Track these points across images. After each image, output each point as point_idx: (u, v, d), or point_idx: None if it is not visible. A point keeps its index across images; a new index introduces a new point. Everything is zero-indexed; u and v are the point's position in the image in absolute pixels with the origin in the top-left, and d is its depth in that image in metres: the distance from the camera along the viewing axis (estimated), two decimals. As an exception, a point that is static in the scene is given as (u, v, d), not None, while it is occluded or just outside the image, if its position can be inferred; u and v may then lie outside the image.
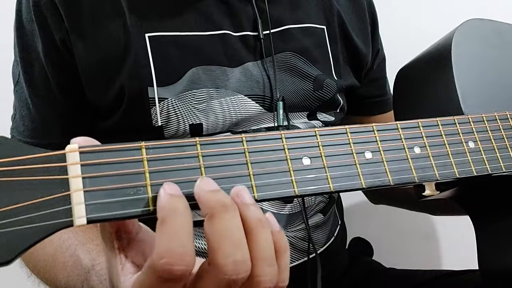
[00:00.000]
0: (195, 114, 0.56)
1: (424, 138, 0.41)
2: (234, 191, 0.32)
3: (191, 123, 0.56)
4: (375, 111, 0.77)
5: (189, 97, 0.56)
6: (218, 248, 0.30)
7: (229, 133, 0.59)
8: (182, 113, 0.56)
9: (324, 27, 0.65)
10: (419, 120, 0.42)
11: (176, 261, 0.29)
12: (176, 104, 0.55)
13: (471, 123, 0.45)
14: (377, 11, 0.73)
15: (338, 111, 0.68)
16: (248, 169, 0.34)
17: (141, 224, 0.35)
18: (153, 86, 0.55)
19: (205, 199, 0.31)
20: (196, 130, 0.57)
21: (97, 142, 0.31)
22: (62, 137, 0.31)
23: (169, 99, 0.55)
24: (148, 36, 0.55)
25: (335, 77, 0.65)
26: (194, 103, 0.56)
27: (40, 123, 0.58)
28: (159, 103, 0.55)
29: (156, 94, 0.55)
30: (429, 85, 0.54)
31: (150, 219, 0.31)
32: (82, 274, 0.47)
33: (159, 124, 0.56)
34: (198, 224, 0.59)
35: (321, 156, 0.37)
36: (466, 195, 0.52)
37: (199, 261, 0.34)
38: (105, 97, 0.56)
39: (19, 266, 0.58)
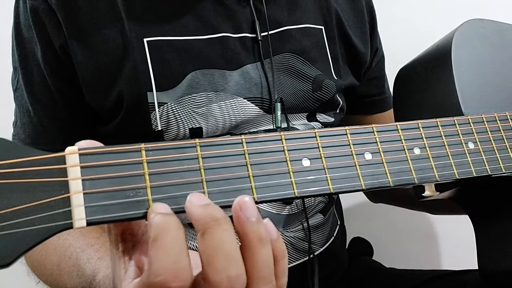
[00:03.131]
0: (195, 118, 0.56)
1: (424, 139, 0.41)
2: (237, 201, 0.31)
3: (191, 127, 0.56)
4: (374, 110, 0.77)
5: (189, 101, 0.56)
6: (211, 264, 0.29)
7: (228, 135, 0.59)
8: (182, 117, 0.56)
9: (322, 27, 0.65)
10: (419, 121, 0.42)
11: (172, 278, 0.28)
12: (176, 109, 0.55)
13: (471, 124, 0.45)
14: (377, 11, 0.72)
15: (337, 111, 0.67)
16: (248, 171, 0.34)
17: (147, 224, 0.35)
18: (152, 91, 0.54)
19: (196, 215, 0.30)
20: (196, 134, 0.57)
21: (101, 145, 0.31)
22: (63, 144, 0.31)
23: (169, 103, 0.55)
24: (147, 41, 0.55)
25: (335, 77, 0.65)
26: (194, 107, 0.56)
27: (41, 130, 0.58)
28: (158, 107, 0.55)
29: (156, 99, 0.55)
30: (429, 85, 0.54)
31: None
32: (86, 286, 0.48)
33: (159, 128, 0.56)
34: (191, 225, 0.59)
35: (321, 158, 0.36)
36: (466, 196, 0.52)
37: (194, 256, 0.33)
38: (105, 102, 0.56)
39: (20, 266, 0.59)
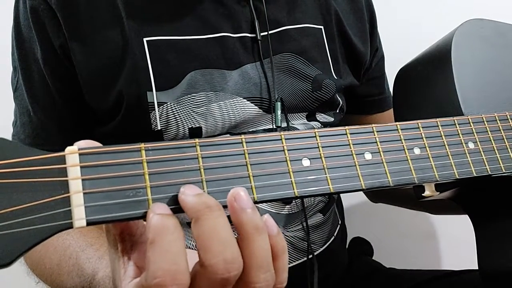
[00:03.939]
0: (194, 117, 0.56)
1: (424, 139, 0.41)
2: (231, 193, 0.31)
3: (190, 126, 0.56)
4: (374, 109, 0.77)
5: (188, 101, 0.56)
6: (206, 249, 0.30)
7: (228, 135, 0.59)
8: (181, 117, 0.56)
9: (322, 27, 0.65)
10: (418, 121, 0.42)
11: (170, 281, 0.28)
12: (175, 108, 0.55)
13: (471, 123, 0.45)
14: (377, 11, 0.73)
15: (337, 111, 0.67)
16: (248, 171, 0.34)
17: (145, 224, 0.35)
18: (152, 90, 0.54)
19: (189, 203, 0.30)
20: (195, 133, 0.57)
21: (100, 145, 0.31)
22: (63, 144, 0.31)
23: (168, 103, 0.55)
24: (147, 41, 0.55)
25: (335, 77, 0.65)
26: (193, 107, 0.56)
27: (40, 130, 0.58)
28: (158, 107, 0.55)
29: (155, 98, 0.55)
30: (429, 85, 0.54)
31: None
32: (86, 286, 0.48)
33: (159, 128, 0.56)
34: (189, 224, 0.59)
35: (321, 157, 0.36)
36: (466, 196, 0.52)
37: (194, 255, 0.34)
38: (105, 102, 0.56)
39: (19, 265, 0.59)
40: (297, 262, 0.63)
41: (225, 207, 0.32)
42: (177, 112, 0.56)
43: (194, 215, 0.30)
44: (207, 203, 0.30)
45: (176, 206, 0.31)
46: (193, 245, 0.60)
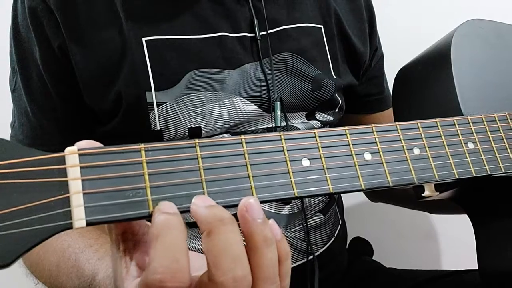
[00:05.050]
0: (194, 117, 0.56)
1: (424, 139, 0.41)
2: (243, 203, 0.31)
3: (189, 126, 0.56)
4: (373, 109, 0.77)
5: (188, 100, 0.56)
6: (217, 264, 0.29)
7: (227, 134, 0.59)
8: (181, 117, 0.56)
9: (322, 26, 0.65)
10: (418, 121, 0.42)
11: (169, 278, 0.28)
12: (175, 108, 0.55)
13: (471, 124, 0.45)
14: (376, 11, 0.73)
15: (336, 110, 0.67)
16: (248, 171, 0.34)
17: (148, 223, 0.35)
18: (151, 90, 0.54)
19: (202, 215, 0.30)
20: (195, 133, 0.57)
21: (101, 145, 0.31)
22: (62, 144, 0.31)
23: (168, 103, 0.55)
24: (145, 40, 0.55)
25: (334, 76, 0.65)
26: (193, 107, 0.56)
27: (39, 131, 0.58)
28: (157, 107, 0.55)
29: (154, 98, 0.55)
30: (428, 85, 0.54)
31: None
32: (86, 287, 0.47)
33: (158, 128, 0.56)
34: (194, 225, 0.59)
35: (321, 158, 0.36)
36: (466, 196, 0.53)
37: (198, 258, 0.33)
38: (104, 102, 0.56)
39: (18, 267, 0.59)
40: (297, 264, 0.63)
41: (225, 207, 0.32)
42: (177, 112, 0.56)
43: (206, 227, 0.30)
44: (220, 216, 0.30)
45: (182, 206, 0.31)
46: (193, 245, 0.60)
